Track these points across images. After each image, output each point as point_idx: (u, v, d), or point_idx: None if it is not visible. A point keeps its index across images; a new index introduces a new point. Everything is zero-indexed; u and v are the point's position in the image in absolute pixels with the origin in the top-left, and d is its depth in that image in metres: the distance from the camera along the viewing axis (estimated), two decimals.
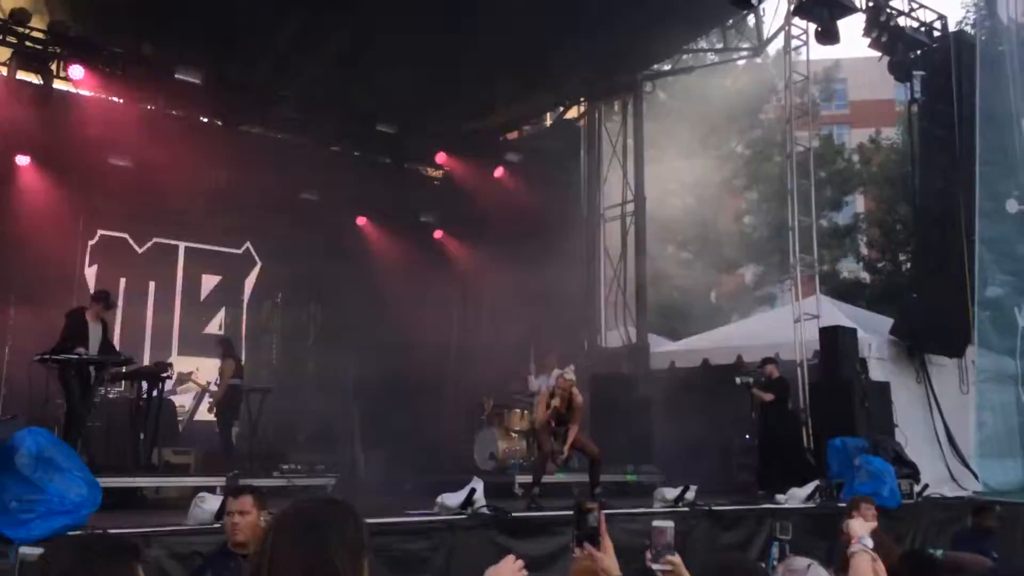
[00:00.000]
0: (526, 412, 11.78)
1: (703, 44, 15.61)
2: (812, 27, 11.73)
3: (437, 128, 14.57)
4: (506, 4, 10.98)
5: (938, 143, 12.32)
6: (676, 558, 2.75)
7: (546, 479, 9.26)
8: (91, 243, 12.18)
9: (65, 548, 2.37)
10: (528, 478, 9.21)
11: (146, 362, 10.39)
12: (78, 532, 4.95)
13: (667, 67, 15.77)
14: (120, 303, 11.67)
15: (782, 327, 12.32)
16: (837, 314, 12.69)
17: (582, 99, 16.09)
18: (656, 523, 2.86)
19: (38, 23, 11.13)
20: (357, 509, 2.02)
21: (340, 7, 10.41)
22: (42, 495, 4.89)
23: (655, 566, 2.76)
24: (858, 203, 26.66)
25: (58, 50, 11.29)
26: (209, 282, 13.42)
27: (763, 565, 3.24)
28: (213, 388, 10.90)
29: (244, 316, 13.58)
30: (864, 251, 24.71)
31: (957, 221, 11.93)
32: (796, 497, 9.13)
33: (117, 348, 9.06)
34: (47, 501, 4.89)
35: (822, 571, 3.10)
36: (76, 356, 8.29)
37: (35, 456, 4.99)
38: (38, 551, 3.70)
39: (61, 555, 2.28)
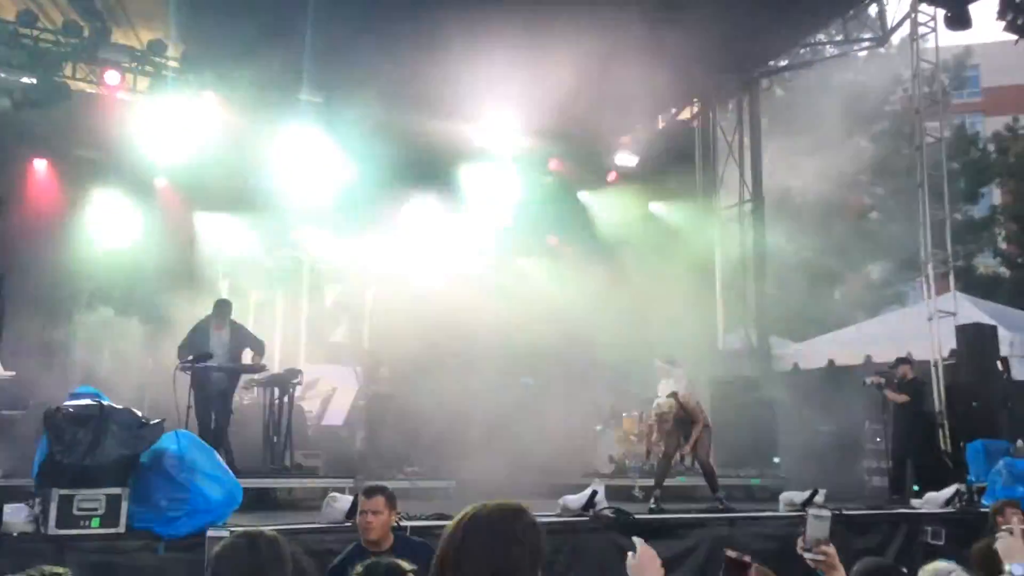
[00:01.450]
0: (644, 415, 11.68)
1: (822, 37, 15.13)
2: (940, 12, 11.21)
3: (550, 133, 14.63)
4: (620, 4, 10.93)
5: None
6: (831, 549, 2.74)
7: (668, 482, 9.17)
8: (223, 258, 12.78)
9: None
10: (648, 481, 9.14)
11: (276, 370, 10.81)
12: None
13: (784, 62, 15.38)
14: (251, 314, 12.24)
15: (914, 326, 11.83)
16: (975, 311, 12.07)
17: (695, 99, 15.87)
18: (813, 512, 2.87)
19: (173, 52, 11.83)
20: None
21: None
22: (188, 495, 5.18)
23: (808, 555, 2.77)
24: (995, 195, 25.24)
25: (192, 77, 11.96)
26: (332, 292, 13.86)
27: (905, 571, 3.12)
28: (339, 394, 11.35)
29: (366, 324, 13.94)
30: (1002, 245, 23.36)
31: None
32: (934, 501, 8.73)
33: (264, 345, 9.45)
34: (192, 500, 5.18)
35: None
36: (208, 365, 8.74)
37: (181, 458, 5.30)
38: (225, 533, 3.97)
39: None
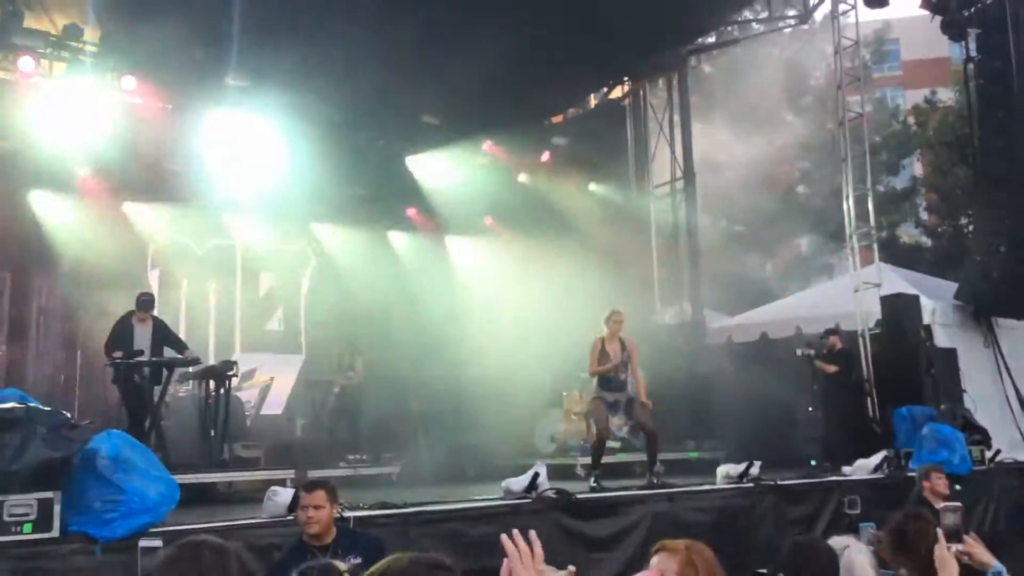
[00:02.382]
0: (584, 394, 11.81)
1: (748, 14, 15.37)
2: None
3: (482, 116, 14.58)
4: None
5: (996, 101, 11.99)
6: (973, 539, 2.84)
7: (607, 459, 9.28)
8: (153, 248, 12.46)
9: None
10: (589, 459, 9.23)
11: (211, 361, 10.63)
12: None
13: (712, 40, 15.57)
14: (183, 304, 12.00)
15: (841, 297, 12.15)
16: (898, 281, 12.46)
17: (626, 78, 15.97)
18: (944, 505, 2.95)
19: (90, 36, 11.42)
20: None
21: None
22: (123, 495, 5.05)
23: (955, 547, 2.84)
24: (915, 167, 26.01)
25: (112, 62, 11.56)
26: (267, 280, 13.65)
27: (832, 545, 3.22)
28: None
29: (302, 312, 13.77)
30: (923, 216, 24.14)
31: (1021, 179, 11.60)
32: (863, 468, 9.03)
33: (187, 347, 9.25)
34: (128, 501, 5.06)
35: (860, 549, 3.09)
36: (139, 360, 8.54)
37: (114, 458, 5.16)
38: (157, 543, 3.87)
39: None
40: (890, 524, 3.70)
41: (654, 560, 2.70)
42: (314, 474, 8.35)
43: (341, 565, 2.72)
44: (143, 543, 3.84)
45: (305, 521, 4.69)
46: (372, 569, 1.87)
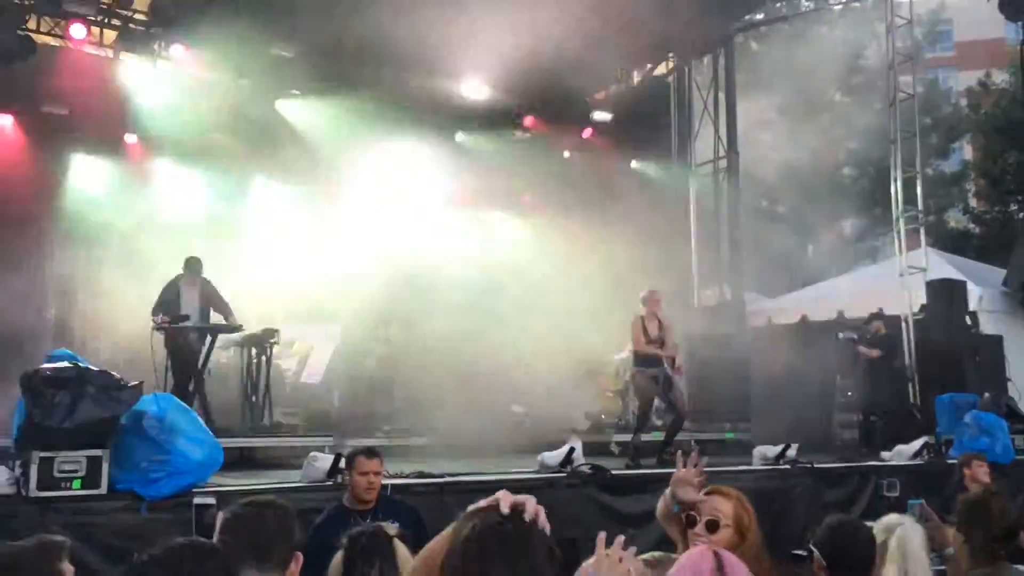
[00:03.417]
0: (619, 373, 11.81)
1: None
2: None
3: (524, 92, 14.51)
4: None
5: None
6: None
7: (644, 438, 9.30)
8: (198, 218, 12.60)
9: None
10: (625, 437, 9.26)
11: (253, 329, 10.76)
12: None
13: (760, 16, 15.30)
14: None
15: (885, 281, 11.98)
16: (945, 266, 12.26)
17: (670, 55, 15.77)
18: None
19: (140, 5, 11.55)
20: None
21: None
22: (169, 456, 5.19)
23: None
24: (966, 151, 25.45)
25: (160, 30, 11.69)
26: (309, 249, 13.73)
27: (869, 525, 3.21)
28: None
29: (343, 282, 13.84)
30: (972, 202, 23.64)
31: None
32: (902, 454, 8.94)
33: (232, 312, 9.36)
34: (173, 462, 5.19)
35: (915, 527, 3.08)
36: (184, 325, 8.69)
37: (161, 419, 5.30)
38: (211, 500, 3.95)
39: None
40: (969, 496, 3.79)
41: (706, 501, 2.81)
42: (351, 442, 8.46)
43: (390, 529, 2.76)
44: (198, 500, 3.93)
45: (367, 486, 4.81)
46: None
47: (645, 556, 2.34)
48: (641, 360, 8.81)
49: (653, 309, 8.79)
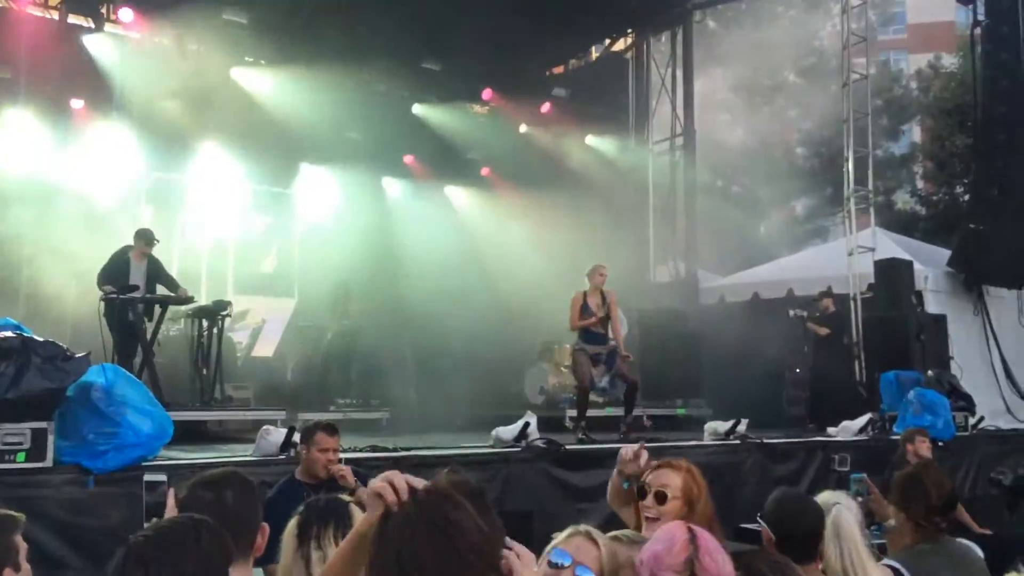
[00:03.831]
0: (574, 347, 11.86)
1: None
2: None
3: (483, 65, 14.40)
4: None
5: (1002, 67, 11.89)
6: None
7: (595, 412, 9.37)
8: (146, 186, 12.34)
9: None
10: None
11: (204, 301, 10.59)
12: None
13: None
14: (176, 243, 11.92)
15: (834, 260, 12.18)
16: (892, 246, 12.49)
17: (629, 31, 15.76)
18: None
19: None
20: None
21: None
22: (117, 428, 5.09)
23: None
24: (915, 132, 25.91)
25: None
26: (262, 222, 13.57)
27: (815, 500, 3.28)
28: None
29: (296, 256, 13.72)
30: (919, 184, 24.11)
31: (1021, 148, 11.57)
32: (848, 430, 9.15)
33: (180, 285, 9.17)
34: (122, 434, 5.10)
35: (849, 506, 3.15)
36: (132, 296, 8.49)
37: (108, 391, 5.19)
38: (162, 477, 3.87)
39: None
40: (904, 471, 3.88)
41: (656, 474, 2.79)
42: (304, 416, 8.40)
43: (346, 497, 2.75)
44: (148, 477, 3.85)
45: (326, 463, 4.78)
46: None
47: (617, 534, 2.36)
48: (584, 336, 8.75)
49: (597, 284, 8.73)
